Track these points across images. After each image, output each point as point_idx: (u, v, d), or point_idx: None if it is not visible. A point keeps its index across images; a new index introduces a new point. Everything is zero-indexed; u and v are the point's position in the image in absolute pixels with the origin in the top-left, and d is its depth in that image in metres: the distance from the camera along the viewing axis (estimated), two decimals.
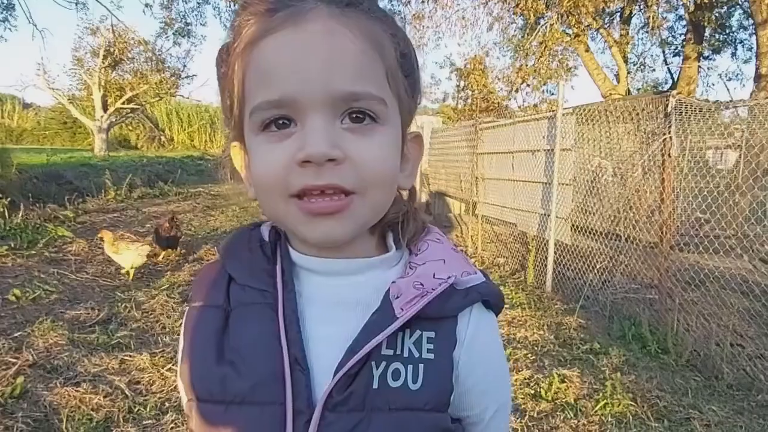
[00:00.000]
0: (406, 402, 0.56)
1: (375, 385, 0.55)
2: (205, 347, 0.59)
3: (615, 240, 5.05)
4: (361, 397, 0.55)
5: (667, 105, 4.03)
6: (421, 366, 0.57)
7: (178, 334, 3.32)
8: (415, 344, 0.57)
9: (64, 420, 2.49)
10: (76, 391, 2.74)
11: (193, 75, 22.41)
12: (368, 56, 0.53)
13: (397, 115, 0.57)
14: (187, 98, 25.14)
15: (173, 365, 3.10)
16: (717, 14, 12.77)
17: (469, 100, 19.75)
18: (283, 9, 0.52)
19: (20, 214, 6.71)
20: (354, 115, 0.52)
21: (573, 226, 5.21)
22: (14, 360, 3.03)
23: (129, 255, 4.86)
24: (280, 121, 0.52)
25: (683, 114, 4.18)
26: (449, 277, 0.58)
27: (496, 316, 0.65)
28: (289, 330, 0.56)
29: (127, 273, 4.98)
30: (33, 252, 5.53)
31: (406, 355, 0.57)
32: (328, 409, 0.55)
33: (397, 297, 0.57)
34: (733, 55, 15.11)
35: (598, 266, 4.87)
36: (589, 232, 5.23)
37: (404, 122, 0.59)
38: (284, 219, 0.56)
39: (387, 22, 0.57)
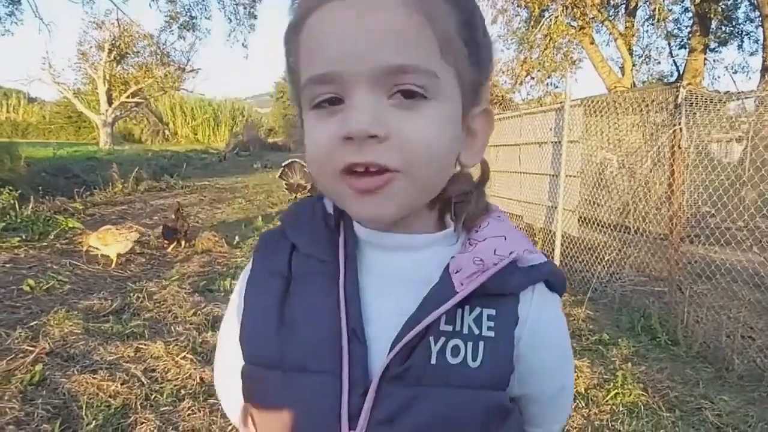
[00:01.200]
0: (464, 379, 0.55)
1: (433, 361, 0.55)
2: (267, 314, 0.59)
3: (623, 232, 5.06)
4: (419, 371, 0.54)
5: (677, 96, 4.03)
6: (481, 343, 0.55)
7: (191, 324, 3.29)
8: (475, 321, 0.56)
9: (84, 407, 2.53)
10: (94, 378, 2.77)
11: (198, 69, 22.42)
12: (416, 26, 0.50)
13: (454, 88, 0.54)
14: (191, 92, 25.22)
15: (187, 353, 3.13)
16: (723, 6, 12.68)
17: None
18: None
19: (30, 207, 6.78)
20: (402, 92, 0.50)
21: (580, 218, 5.21)
22: (31, 348, 3.06)
23: (119, 245, 5.02)
24: (329, 99, 0.52)
25: (692, 105, 4.17)
26: (511, 253, 0.57)
27: (560, 297, 0.63)
28: (350, 303, 0.56)
29: (111, 260, 5.07)
30: (45, 243, 5.58)
31: (465, 331, 0.56)
32: (386, 382, 0.54)
33: (457, 272, 0.56)
34: (740, 47, 15.01)
35: (606, 258, 4.88)
36: (597, 225, 5.23)
37: (466, 96, 0.56)
38: (336, 197, 0.56)
39: None
